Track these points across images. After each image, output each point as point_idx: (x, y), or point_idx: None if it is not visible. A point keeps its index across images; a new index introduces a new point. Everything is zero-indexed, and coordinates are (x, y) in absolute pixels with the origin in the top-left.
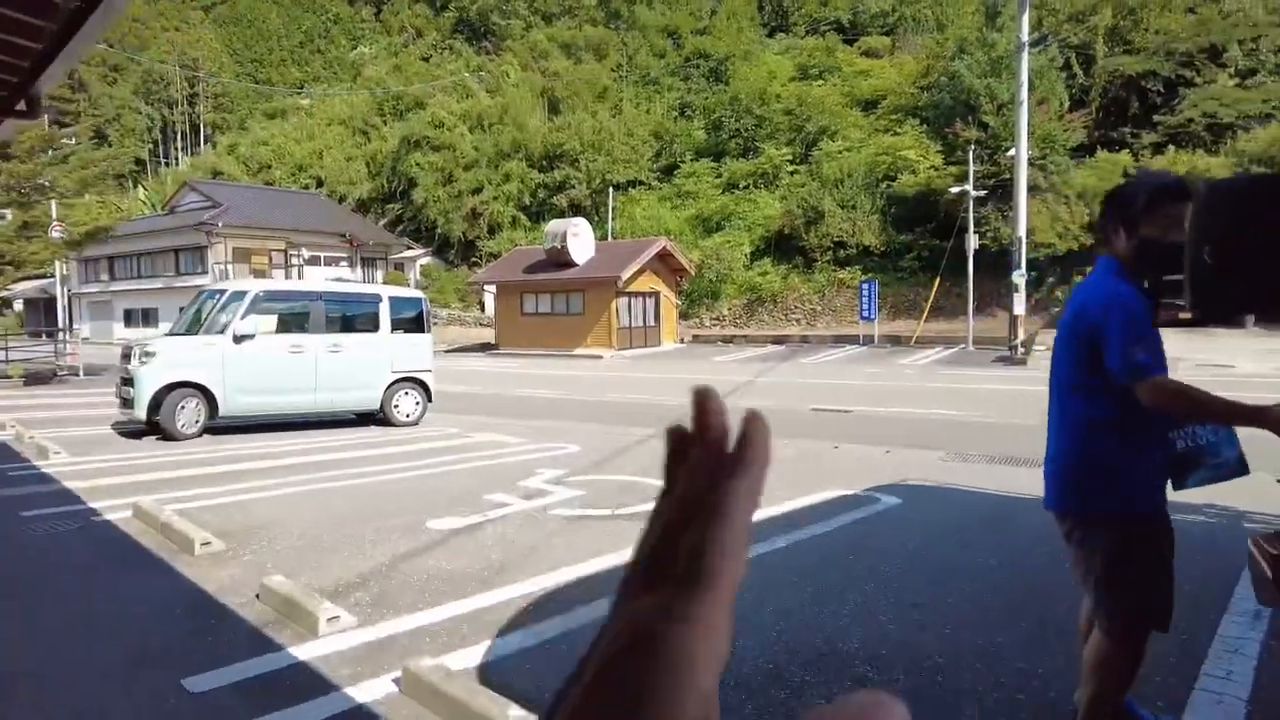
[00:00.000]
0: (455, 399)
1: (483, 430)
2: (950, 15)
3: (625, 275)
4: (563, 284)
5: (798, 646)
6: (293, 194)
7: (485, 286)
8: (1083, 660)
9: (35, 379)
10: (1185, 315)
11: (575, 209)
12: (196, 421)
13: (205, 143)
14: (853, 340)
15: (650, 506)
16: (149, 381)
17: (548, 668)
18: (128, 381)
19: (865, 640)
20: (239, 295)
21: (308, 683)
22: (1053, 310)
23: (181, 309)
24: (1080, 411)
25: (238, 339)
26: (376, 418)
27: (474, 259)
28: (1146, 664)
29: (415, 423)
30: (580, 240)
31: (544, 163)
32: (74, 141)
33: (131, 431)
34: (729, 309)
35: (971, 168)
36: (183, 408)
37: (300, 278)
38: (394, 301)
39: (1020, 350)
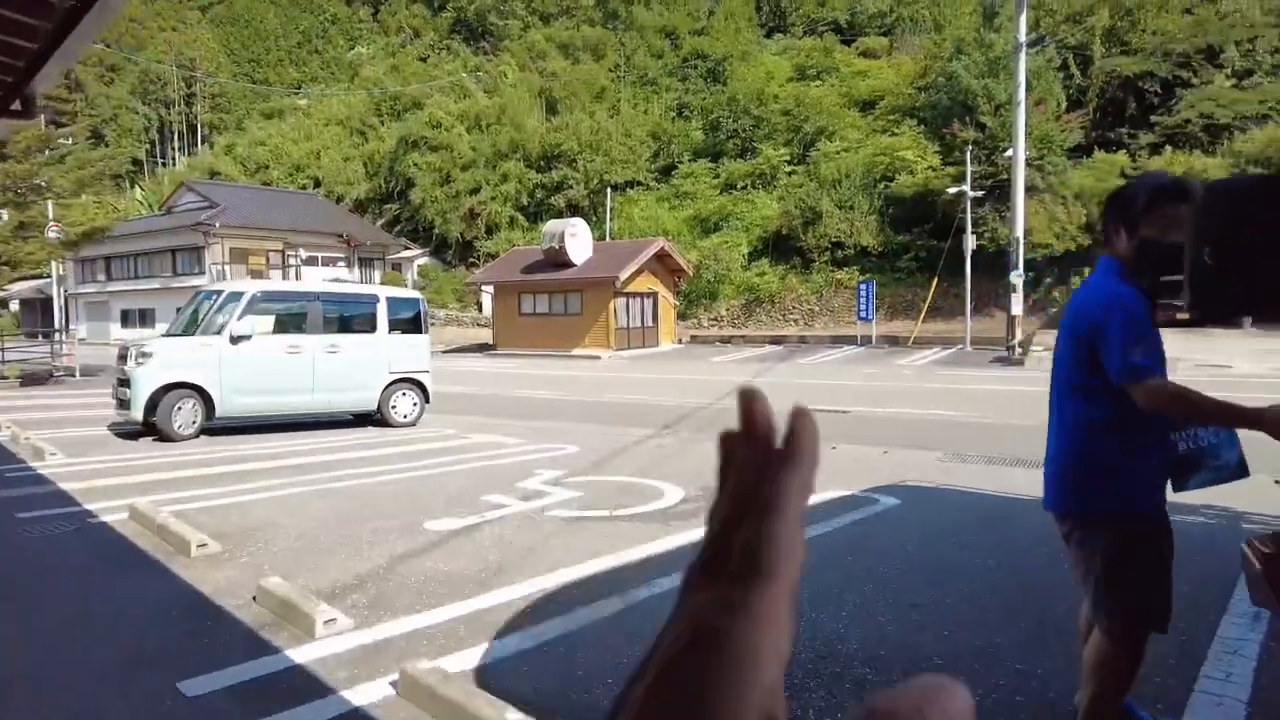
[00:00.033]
0: (453, 399)
1: (480, 431)
2: (948, 16)
3: (623, 276)
4: (560, 284)
5: (796, 648)
6: (290, 194)
7: (483, 287)
8: (1083, 661)
9: (31, 380)
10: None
11: (573, 209)
12: (193, 422)
13: (202, 143)
14: (850, 341)
15: (649, 508)
16: (145, 382)
17: (546, 670)
18: (124, 382)
19: (864, 641)
20: (236, 296)
21: (304, 686)
22: (1050, 311)
23: (178, 309)
24: (1080, 412)
25: (235, 340)
26: (374, 418)
27: (472, 259)
28: (1147, 664)
29: (413, 423)
30: (578, 241)
31: (542, 163)
32: (71, 141)
33: (128, 432)
34: (727, 309)
35: (969, 168)
36: (179, 409)
37: (298, 278)
38: (391, 302)
39: (1018, 351)
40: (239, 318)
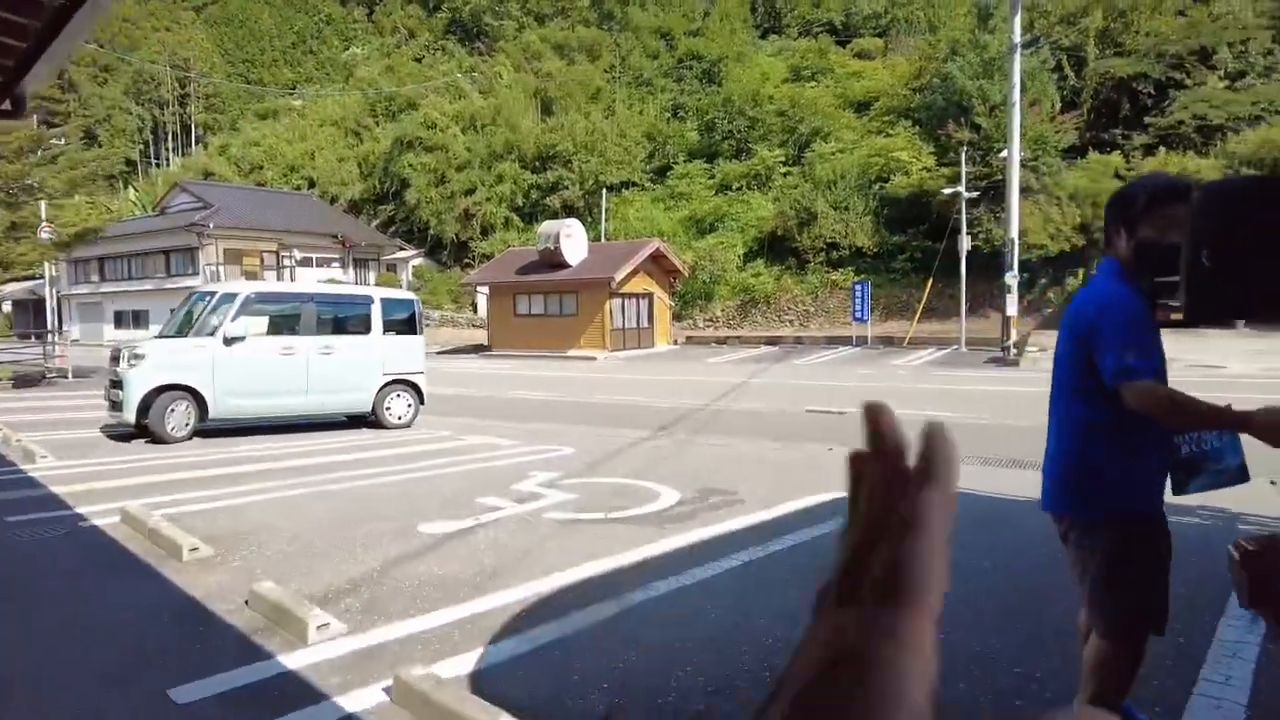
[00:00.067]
0: (447, 401)
1: (475, 433)
2: (943, 17)
3: (619, 276)
4: (556, 285)
5: (780, 655)
6: (284, 195)
7: (478, 288)
8: (1082, 662)
9: (23, 381)
10: (1177, 317)
11: (568, 210)
12: (186, 424)
13: (196, 143)
14: (846, 341)
15: (645, 510)
16: (138, 384)
17: (541, 675)
18: (117, 384)
19: None
20: (229, 297)
21: (296, 692)
22: (1045, 311)
23: (172, 311)
24: (1079, 413)
25: (228, 341)
26: (368, 420)
27: (467, 260)
28: (1146, 664)
29: (407, 425)
30: (573, 241)
31: (537, 164)
32: (63, 142)
33: (120, 434)
34: (722, 310)
35: (964, 169)
36: (172, 410)
37: (292, 279)
38: (386, 303)
39: (1013, 351)
40: (233, 319)
